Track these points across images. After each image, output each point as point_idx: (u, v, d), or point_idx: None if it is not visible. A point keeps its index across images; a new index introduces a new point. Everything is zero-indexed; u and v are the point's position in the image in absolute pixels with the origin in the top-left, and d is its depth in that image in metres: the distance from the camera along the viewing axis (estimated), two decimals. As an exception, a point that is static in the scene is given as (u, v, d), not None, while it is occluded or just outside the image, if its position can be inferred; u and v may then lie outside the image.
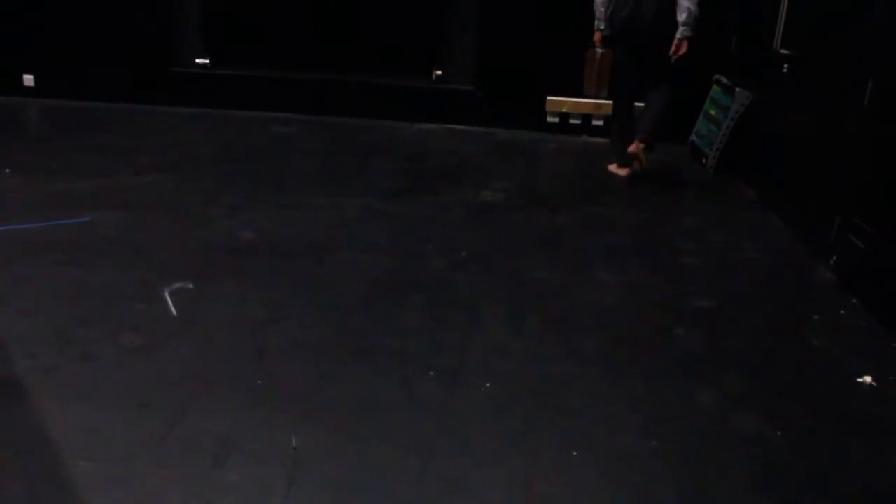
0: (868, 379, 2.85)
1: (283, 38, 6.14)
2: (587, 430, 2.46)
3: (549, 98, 5.94)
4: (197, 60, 6.20)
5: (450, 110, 6.09)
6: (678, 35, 4.67)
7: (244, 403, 2.49)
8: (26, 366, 2.63)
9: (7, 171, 4.53)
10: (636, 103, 5.11)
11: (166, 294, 3.16)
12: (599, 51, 4.96)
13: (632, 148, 4.96)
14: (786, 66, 4.62)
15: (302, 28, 6.11)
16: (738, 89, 5.19)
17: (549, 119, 5.99)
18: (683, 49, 4.70)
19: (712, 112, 5.51)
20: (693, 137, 5.73)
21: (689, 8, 4.61)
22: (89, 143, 5.24)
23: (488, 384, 2.67)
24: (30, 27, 6.12)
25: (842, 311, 3.41)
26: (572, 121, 6.00)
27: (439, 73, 6.11)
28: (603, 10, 4.85)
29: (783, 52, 4.66)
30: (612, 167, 5.17)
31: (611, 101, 5.27)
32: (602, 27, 4.90)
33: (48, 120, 6.00)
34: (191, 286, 3.24)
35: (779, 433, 2.51)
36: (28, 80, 6.22)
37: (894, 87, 3.39)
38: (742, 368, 2.91)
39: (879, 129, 3.47)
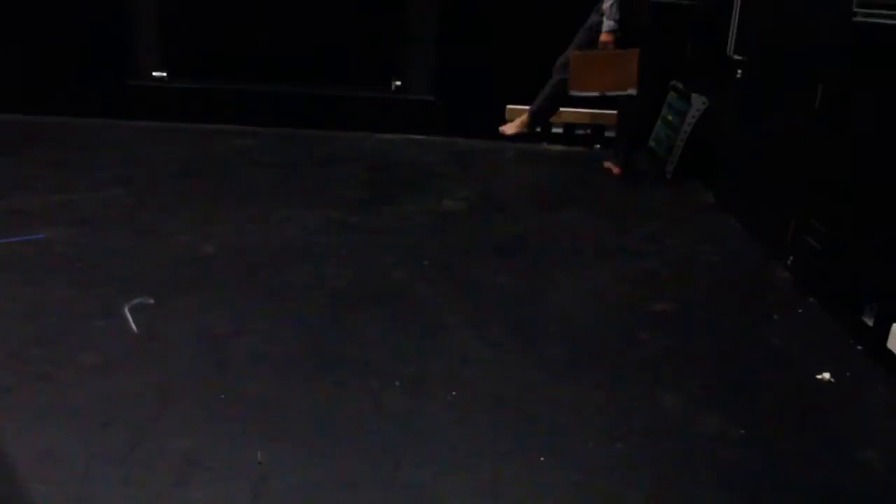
0: (827, 375, 2.90)
1: (240, 50, 6.10)
2: (553, 436, 2.47)
3: (508, 107, 5.97)
4: (154, 73, 6.13)
5: (410, 120, 6.11)
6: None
7: (207, 419, 2.46)
8: (-20, 387, 2.56)
9: (-42, 188, 4.43)
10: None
11: (126, 310, 3.11)
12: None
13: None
14: (739, 71, 4.71)
15: (260, 40, 6.07)
16: (693, 94, 5.28)
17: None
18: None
19: (669, 117, 5.59)
20: (651, 143, 5.81)
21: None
22: (44, 158, 5.15)
23: (454, 393, 2.67)
24: (-20, 42, 6.01)
25: (799, 310, 3.47)
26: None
27: (398, 83, 6.11)
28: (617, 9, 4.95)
29: (736, 57, 4.75)
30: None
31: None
32: (616, 28, 4.99)
33: (1, 135, 5.88)
34: (151, 302, 3.19)
35: (742, 432, 2.54)
36: (-21, 95, 6.10)
37: (843, 90, 3.47)
38: (704, 370, 2.94)
39: (830, 131, 3.54)
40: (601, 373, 2.87)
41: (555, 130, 6.02)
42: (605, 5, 4.94)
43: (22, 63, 6.04)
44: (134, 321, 3.04)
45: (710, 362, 3.01)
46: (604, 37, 5.01)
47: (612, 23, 4.97)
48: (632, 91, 5.12)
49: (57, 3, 5.97)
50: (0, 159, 5.17)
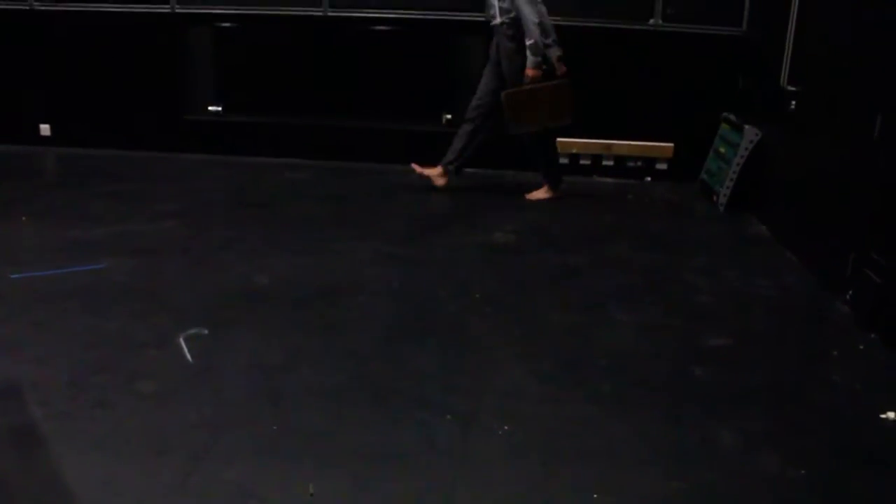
0: (892, 415, 2.80)
1: (293, 85, 6.23)
2: (607, 473, 2.43)
3: (558, 139, 5.97)
4: (209, 108, 6.28)
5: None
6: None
7: (261, 450, 2.47)
8: (41, 413, 2.61)
9: (23, 218, 4.58)
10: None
11: (181, 340, 3.16)
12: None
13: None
14: (793, 102, 4.65)
15: (312, 76, 6.19)
16: (746, 126, 5.22)
17: (560, 160, 6.01)
18: None
19: (721, 149, 5.53)
20: (703, 175, 5.74)
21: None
22: (104, 190, 5.30)
23: (506, 427, 2.64)
24: (46, 78, 6.23)
25: (861, 346, 3.37)
26: (582, 161, 6.03)
27: (449, 117, 6.16)
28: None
29: (790, 88, 4.69)
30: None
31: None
32: (541, 62, 5.08)
33: (64, 168, 6.08)
34: (206, 332, 3.24)
35: (802, 472, 2.47)
36: (44, 129, 6.33)
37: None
38: (762, 406, 2.87)
39: (890, 161, 3.46)
40: (656, 409, 2.82)
41: (605, 163, 6.00)
42: (529, 42, 4.98)
43: (83, 100, 6.25)
44: (189, 351, 3.08)
45: (767, 399, 2.93)
46: (530, 71, 5.06)
47: (537, 58, 5.03)
48: (568, 122, 5.22)
49: (117, 42, 6.17)
50: (63, 191, 5.34)
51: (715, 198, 5.38)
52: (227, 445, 2.49)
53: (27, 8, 6.15)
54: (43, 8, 6.16)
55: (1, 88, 6.25)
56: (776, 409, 2.86)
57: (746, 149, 5.18)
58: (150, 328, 3.27)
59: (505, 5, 5.05)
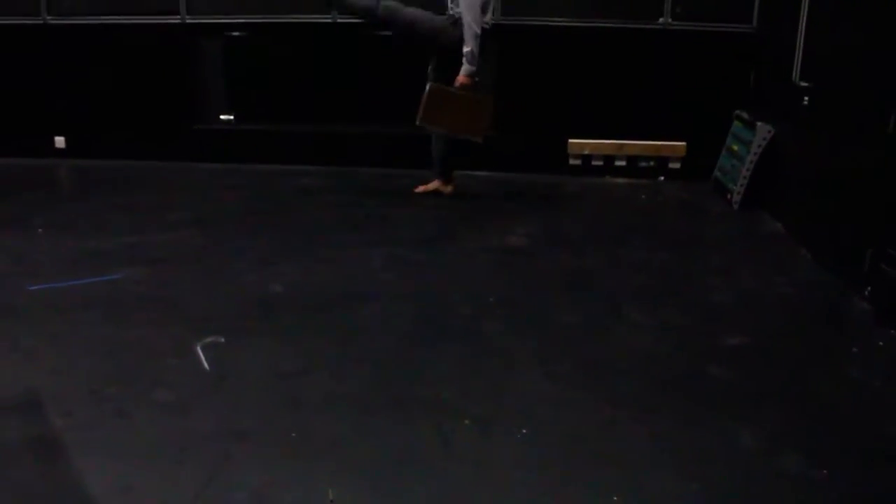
0: (913, 412, 2.78)
1: (304, 92, 6.24)
2: (627, 475, 2.42)
3: (570, 140, 5.97)
4: (221, 117, 6.31)
5: (470, 157, 6.13)
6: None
7: (279, 456, 2.48)
8: (61, 423, 2.63)
9: (40, 230, 4.61)
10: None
11: (198, 349, 3.17)
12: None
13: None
14: (806, 98, 4.62)
15: (323, 83, 6.21)
16: (758, 123, 5.19)
17: (572, 162, 6.01)
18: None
19: (734, 147, 5.50)
20: (716, 174, 5.72)
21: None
22: (119, 201, 5.33)
23: (524, 431, 2.63)
24: (60, 91, 6.28)
25: (880, 343, 3.34)
26: (594, 163, 6.02)
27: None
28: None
29: (802, 84, 4.66)
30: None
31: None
32: (475, 72, 4.99)
33: (79, 180, 6.13)
34: (222, 340, 3.25)
35: (824, 472, 2.45)
36: (59, 141, 6.37)
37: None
38: (781, 405, 2.85)
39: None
40: (674, 410, 2.80)
41: (618, 163, 5.99)
42: (465, 49, 4.92)
43: (97, 111, 6.29)
44: (206, 359, 3.09)
45: (787, 398, 2.91)
46: (462, 78, 4.98)
47: (472, 67, 4.96)
48: (479, 139, 5.08)
49: (128, 54, 6.21)
50: (78, 203, 5.37)
51: (729, 196, 5.36)
52: (245, 453, 2.49)
53: (41, 22, 6.20)
54: (56, 22, 6.20)
55: (16, 102, 6.31)
56: (796, 408, 2.84)
57: (759, 146, 5.15)
58: (168, 337, 3.28)
59: (455, 5, 5.02)
